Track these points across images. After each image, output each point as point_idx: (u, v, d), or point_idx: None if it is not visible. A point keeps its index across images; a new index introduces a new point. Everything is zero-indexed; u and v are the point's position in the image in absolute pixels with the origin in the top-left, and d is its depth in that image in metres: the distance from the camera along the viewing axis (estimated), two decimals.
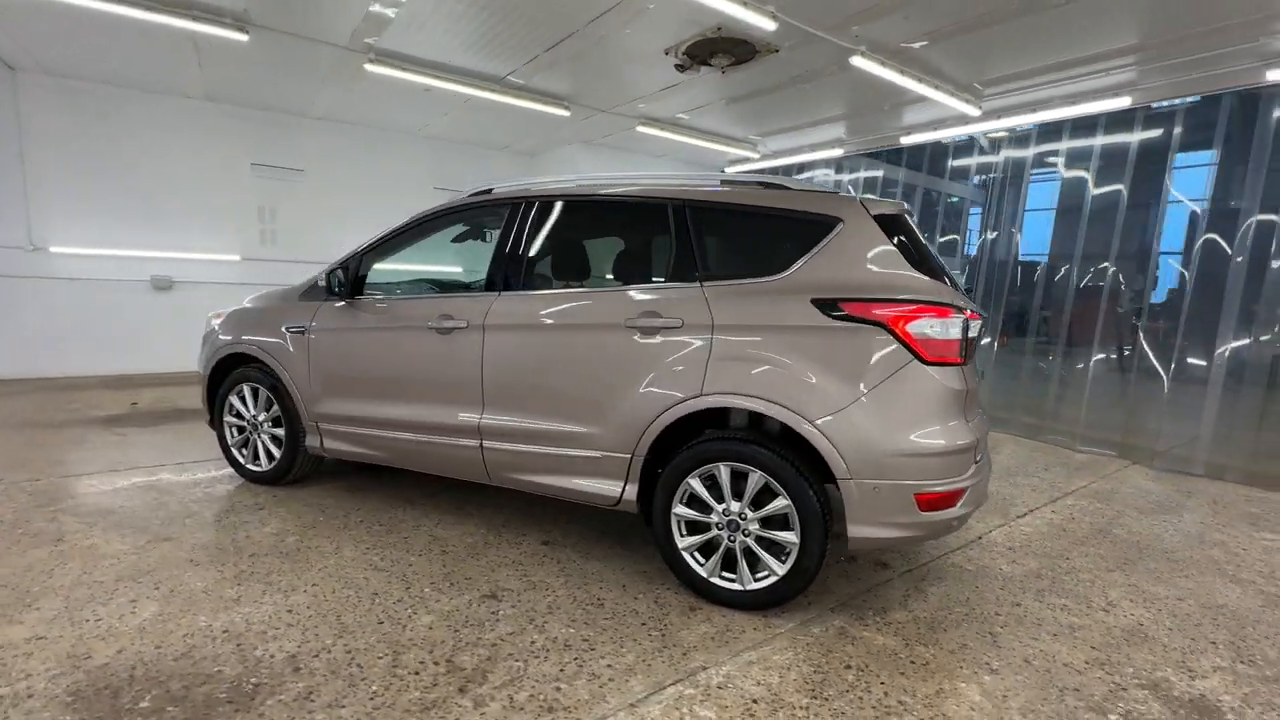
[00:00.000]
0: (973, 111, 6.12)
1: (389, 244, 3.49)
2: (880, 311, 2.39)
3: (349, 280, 3.40)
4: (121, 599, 2.48)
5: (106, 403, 5.89)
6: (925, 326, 2.37)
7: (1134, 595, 2.86)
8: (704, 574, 2.63)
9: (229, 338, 3.81)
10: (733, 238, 2.82)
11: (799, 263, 2.57)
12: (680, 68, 5.39)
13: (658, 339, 2.68)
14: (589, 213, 3.18)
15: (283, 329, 3.63)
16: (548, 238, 3.12)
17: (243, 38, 5.12)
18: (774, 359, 2.49)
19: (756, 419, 2.64)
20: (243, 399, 3.78)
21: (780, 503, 2.45)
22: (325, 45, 5.44)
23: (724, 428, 2.73)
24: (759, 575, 2.55)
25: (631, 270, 3.14)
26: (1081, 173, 6.52)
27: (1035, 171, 7.12)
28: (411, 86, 6.28)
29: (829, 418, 2.38)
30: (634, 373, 2.71)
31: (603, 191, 3.04)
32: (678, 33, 4.86)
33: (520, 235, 3.11)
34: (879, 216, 2.58)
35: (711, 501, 2.59)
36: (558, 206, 3.13)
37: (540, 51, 5.36)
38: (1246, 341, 5.31)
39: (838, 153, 7.99)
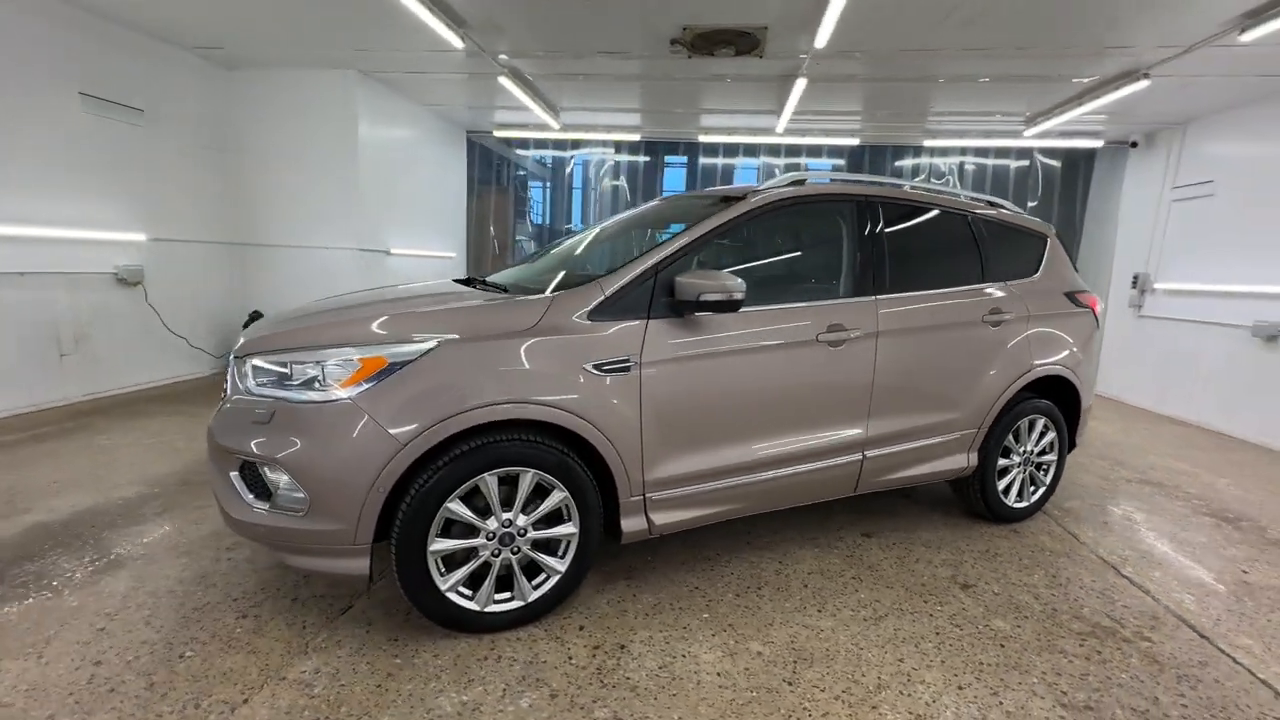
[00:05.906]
0: (779, 129, 7.81)
1: (706, 244, 2.76)
2: (1089, 300, 3.83)
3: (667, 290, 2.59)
4: None
5: None
6: (1099, 307, 3.91)
7: None
8: (1010, 503, 3.59)
9: (450, 409, 2.14)
10: (1001, 246, 3.66)
11: (1041, 267, 3.72)
12: (676, 42, 5.13)
13: (999, 329, 3.40)
14: (930, 219, 3.44)
15: (586, 368, 2.40)
16: (904, 242, 3.26)
17: None
18: (1058, 336, 3.62)
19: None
20: (476, 503, 2.29)
21: (1051, 436, 3.65)
22: None
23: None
24: (1032, 491, 3.70)
25: (955, 271, 3.46)
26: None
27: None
28: None
29: (1079, 369, 3.68)
30: (988, 358, 3.37)
31: (941, 200, 3.49)
32: (699, 16, 4.72)
33: (883, 238, 3.17)
34: (1056, 234, 3.92)
35: (1015, 445, 3.56)
36: (915, 211, 3.37)
37: None
38: None
39: (635, 137, 8.58)
